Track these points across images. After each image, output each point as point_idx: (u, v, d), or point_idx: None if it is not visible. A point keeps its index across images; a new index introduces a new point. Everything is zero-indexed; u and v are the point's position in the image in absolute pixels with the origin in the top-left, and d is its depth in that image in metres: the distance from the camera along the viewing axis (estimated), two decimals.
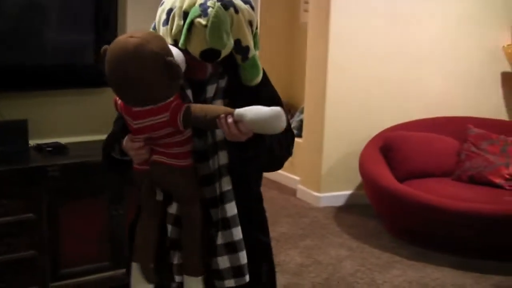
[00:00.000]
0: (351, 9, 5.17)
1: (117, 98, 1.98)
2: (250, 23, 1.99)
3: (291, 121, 6.09)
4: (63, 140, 3.68)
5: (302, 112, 5.88)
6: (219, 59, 1.94)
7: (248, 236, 2.07)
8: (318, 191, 5.41)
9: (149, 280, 2.06)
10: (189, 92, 2.02)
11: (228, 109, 1.87)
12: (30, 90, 3.64)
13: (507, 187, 4.71)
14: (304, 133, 5.60)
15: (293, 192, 5.77)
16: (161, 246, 2.07)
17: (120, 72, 1.86)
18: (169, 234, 2.05)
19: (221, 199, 2.02)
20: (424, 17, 5.39)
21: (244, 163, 2.00)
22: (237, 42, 1.96)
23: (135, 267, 2.08)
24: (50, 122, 3.72)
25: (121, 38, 1.88)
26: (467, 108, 5.46)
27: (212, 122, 1.86)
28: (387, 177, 4.68)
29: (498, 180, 4.74)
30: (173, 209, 2.04)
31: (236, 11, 1.93)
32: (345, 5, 5.15)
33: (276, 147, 2.01)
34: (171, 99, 1.90)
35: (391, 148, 4.92)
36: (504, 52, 5.27)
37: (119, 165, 2.12)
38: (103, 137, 2.16)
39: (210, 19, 1.88)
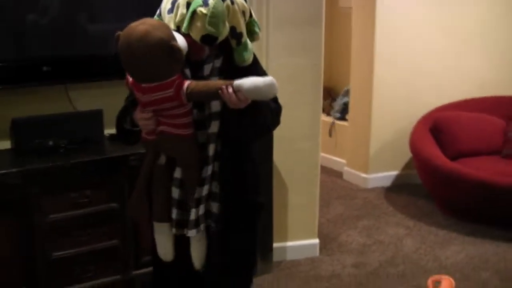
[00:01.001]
0: None
1: (128, 77, 2.29)
2: (244, 13, 2.32)
3: (333, 104, 6.17)
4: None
5: (345, 95, 5.92)
6: (217, 43, 2.25)
7: (242, 196, 2.48)
8: (366, 172, 5.48)
9: (166, 222, 2.44)
10: (187, 71, 2.35)
11: (227, 81, 2.19)
12: (98, 80, 3.66)
13: None
14: (350, 116, 5.66)
15: (339, 174, 5.85)
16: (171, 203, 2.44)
17: (130, 55, 2.17)
18: (174, 196, 2.42)
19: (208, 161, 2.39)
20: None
21: (242, 128, 2.32)
22: (233, 29, 2.29)
23: (155, 226, 2.46)
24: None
25: (132, 25, 2.19)
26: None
27: (214, 94, 2.19)
28: (440, 157, 4.75)
29: None
30: (177, 173, 2.39)
31: (232, 2, 2.26)
32: None
33: (268, 116, 2.37)
34: (174, 77, 2.21)
35: (441, 128, 4.98)
36: None
37: (130, 135, 2.48)
38: None
39: (210, 9, 2.19)
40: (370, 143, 5.39)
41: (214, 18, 2.20)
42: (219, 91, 2.17)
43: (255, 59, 2.45)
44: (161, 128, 2.31)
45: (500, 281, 3.85)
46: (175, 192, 2.42)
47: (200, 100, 2.29)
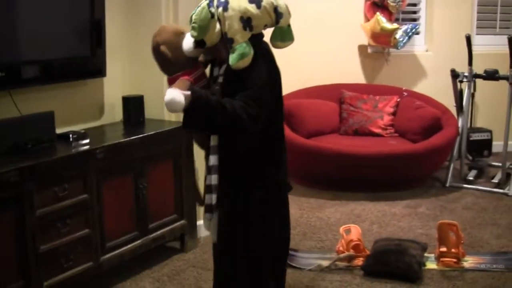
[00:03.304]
0: None
1: None
2: (248, 19, 2.57)
3: None
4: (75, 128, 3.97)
5: None
6: (206, 46, 2.68)
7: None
8: None
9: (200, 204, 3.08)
10: (216, 70, 2.79)
11: None
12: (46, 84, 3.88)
13: (385, 135, 5.89)
14: None
15: None
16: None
17: None
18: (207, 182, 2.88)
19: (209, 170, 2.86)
20: (298, 3, 6.23)
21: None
22: (225, 34, 2.60)
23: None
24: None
25: None
26: (337, 76, 6.44)
27: None
28: (298, 137, 5.56)
29: (377, 130, 5.90)
30: (211, 161, 2.83)
31: (226, 9, 2.55)
32: None
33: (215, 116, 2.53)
34: (179, 73, 2.79)
35: (291, 113, 5.78)
36: (362, 28, 6.40)
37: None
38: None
39: (193, 15, 2.65)
40: None
41: (194, 23, 2.61)
42: None
43: (254, 65, 2.63)
44: None
45: (379, 227, 4.78)
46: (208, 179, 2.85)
47: None
